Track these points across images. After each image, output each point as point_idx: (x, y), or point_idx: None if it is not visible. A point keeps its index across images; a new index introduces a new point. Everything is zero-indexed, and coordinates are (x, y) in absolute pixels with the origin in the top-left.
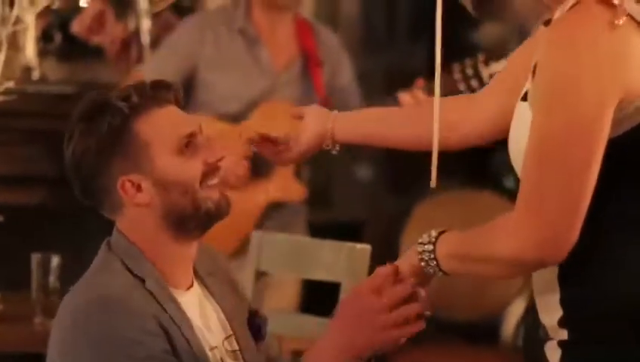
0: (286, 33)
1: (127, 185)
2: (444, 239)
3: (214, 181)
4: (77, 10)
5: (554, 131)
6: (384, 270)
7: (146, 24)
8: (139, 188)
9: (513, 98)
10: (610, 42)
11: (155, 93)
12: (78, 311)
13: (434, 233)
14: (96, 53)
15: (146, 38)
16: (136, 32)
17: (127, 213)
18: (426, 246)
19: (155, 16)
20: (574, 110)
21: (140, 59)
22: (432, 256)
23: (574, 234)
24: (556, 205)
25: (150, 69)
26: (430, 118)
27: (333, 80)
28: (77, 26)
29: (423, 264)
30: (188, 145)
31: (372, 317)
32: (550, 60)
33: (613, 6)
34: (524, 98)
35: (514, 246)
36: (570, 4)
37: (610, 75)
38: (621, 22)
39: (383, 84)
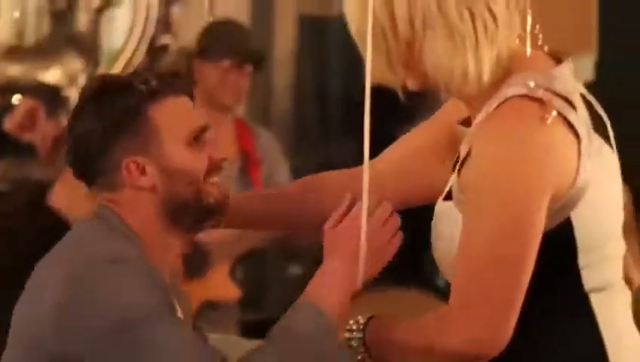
0: (226, 132)
1: (132, 166)
2: (374, 326)
3: (215, 179)
4: (9, 107)
5: (487, 230)
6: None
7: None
8: (143, 171)
9: (410, 179)
10: (541, 139)
11: (173, 81)
12: (79, 276)
13: (361, 320)
14: (28, 150)
15: None
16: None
17: (125, 194)
18: (354, 334)
19: None
20: (507, 208)
21: None
22: (362, 342)
23: (509, 330)
24: (491, 303)
25: None
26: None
27: (270, 178)
28: (8, 124)
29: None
30: (197, 138)
31: (369, 238)
32: (482, 158)
33: (542, 103)
34: (448, 197)
35: (450, 342)
36: (496, 103)
37: (542, 172)
38: (550, 119)
39: None
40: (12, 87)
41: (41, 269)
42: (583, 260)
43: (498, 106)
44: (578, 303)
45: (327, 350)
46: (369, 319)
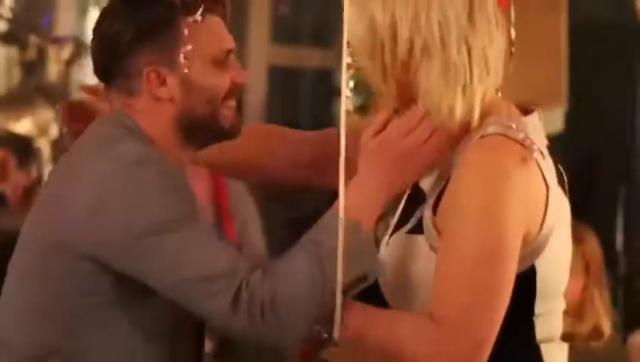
0: (202, 186)
1: (153, 75)
2: (349, 310)
3: (232, 103)
4: None
5: (467, 254)
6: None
7: (48, 173)
8: (163, 82)
9: None
10: (522, 177)
11: (211, 0)
12: (106, 179)
13: None
14: None
15: None
16: (39, 180)
17: (142, 101)
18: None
19: None
20: (489, 234)
21: None
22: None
23: (488, 351)
24: (484, 325)
25: None
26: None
27: (242, 232)
28: None
29: (317, 327)
30: (224, 59)
31: (402, 144)
32: (466, 186)
33: (523, 145)
34: (414, 231)
35: (429, 354)
36: (477, 136)
37: (519, 208)
38: (530, 161)
39: (287, 234)
40: None
41: (60, 173)
42: (538, 308)
43: (480, 139)
44: (530, 352)
45: (362, 261)
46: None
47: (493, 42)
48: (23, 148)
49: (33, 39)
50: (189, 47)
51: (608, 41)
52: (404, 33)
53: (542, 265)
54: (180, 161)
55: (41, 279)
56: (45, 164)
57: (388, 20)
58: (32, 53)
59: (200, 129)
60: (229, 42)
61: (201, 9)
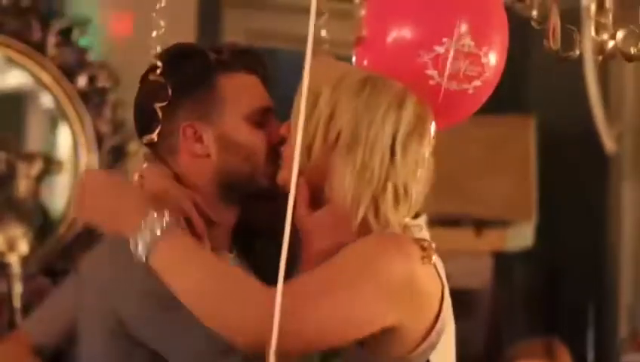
0: None
1: (189, 131)
2: (174, 237)
3: (280, 162)
4: None
5: (325, 281)
6: None
7: (17, 288)
8: (200, 138)
9: None
10: (414, 274)
11: (247, 58)
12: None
13: (167, 219)
14: None
15: (17, 302)
16: (8, 296)
17: (181, 160)
18: (148, 231)
19: (28, 281)
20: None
21: (11, 322)
22: (151, 245)
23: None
24: (313, 326)
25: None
26: None
27: None
28: None
29: (131, 242)
30: (261, 118)
31: None
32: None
33: (423, 246)
34: None
35: (241, 312)
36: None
37: (398, 293)
38: (430, 262)
39: None
40: None
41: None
42: None
43: (380, 232)
44: None
45: None
46: (172, 226)
47: (416, 178)
48: None
49: (2, 155)
50: (225, 103)
51: (577, 155)
52: (338, 121)
53: (435, 360)
54: (221, 219)
55: None
56: (14, 279)
57: (329, 108)
58: (1, 169)
59: (239, 186)
60: (266, 100)
61: (237, 67)
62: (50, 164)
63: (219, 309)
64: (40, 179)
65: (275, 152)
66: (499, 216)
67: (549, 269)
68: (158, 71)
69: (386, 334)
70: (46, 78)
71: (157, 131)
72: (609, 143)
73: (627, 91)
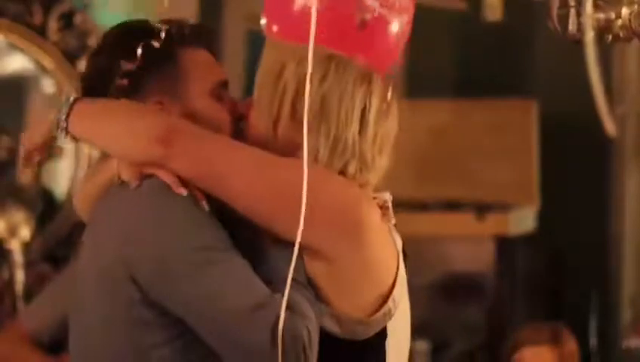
0: None
1: (158, 108)
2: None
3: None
4: None
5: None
6: None
7: (19, 275)
8: (168, 114)
9: None
10: (373, 222)
11: (201, 33)
12: (141, 203)
13: (72, 97)
14: None
15: (19, 289)
16: (10, 283)
17: None
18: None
19: (29, 268)
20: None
21: (13, 309)
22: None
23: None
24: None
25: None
26: None
27: None
28: None
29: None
30: (221, 92)
31: None
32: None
33: (383, 207)
34: None
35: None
36: None
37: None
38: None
39: None
40: None
41: (97, 216)
42: None
43: None
44: None
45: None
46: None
47: (382, 152)
48: None
49: (4, 141)
50: (188, 78)
51: (580, 139)
52: (305, 98)
53: (391, 329)
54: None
55: (126, 326)
56: (16, 267)
57: (295, 83)
58: (2, 154)
59: None
60: (224, 74)
61: (194, 43)
62: (51, 149)
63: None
64: (41, 164)
65: (237, 127)
66: (501, 200)
67: (552, 253)
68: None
69: (339, 283)
70: (48, 62)
71: None
72: (610, 126)
73: (630, 73)
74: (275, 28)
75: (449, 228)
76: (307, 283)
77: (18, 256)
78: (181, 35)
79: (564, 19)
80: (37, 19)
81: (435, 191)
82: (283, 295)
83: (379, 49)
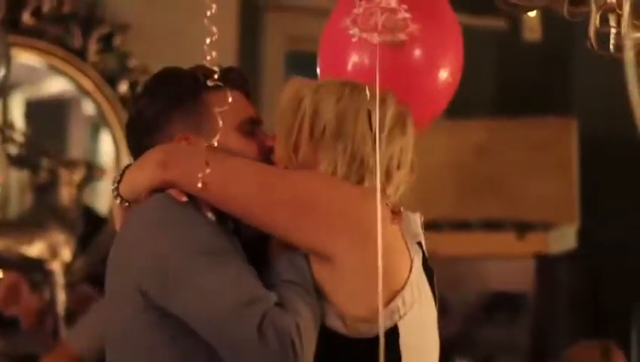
0: None
1: (184, 143)
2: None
3: None
4: None
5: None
6: None
7: (61, 296)
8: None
9: None
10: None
11: (231, 76)
12: (154, 217)
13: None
14: (10, 324)
15: (61, 310)
16: (52, 304)
17: None
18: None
19: (71, 288)
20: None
21: (55, 330)
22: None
23: None
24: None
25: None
26: None
27: None
28: None
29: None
30: (250, 128)
31: None
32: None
33: (395, 212)
34: None
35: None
36: None
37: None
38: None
39: None
40: None
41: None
42: None
43: None
44: None
45: None
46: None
47: (399, 168)
48: (35, 271)
49: (45, 162)
50: (214, 116)
51: (620, 157)
52: (322, 118)
53: (404, 330)
54: None
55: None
56: (58, 287)
57: (313, 106)
58: (43, 177)
59: None
60: (253, 111)
61: (223, 84)
62: (92, 171)
63: None
64: (82, 185)
65: (267, 161)
66: (542, 219)
67: (593, 271)
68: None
69: (345, 284)
70: (87, 84)
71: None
72: None
73: None
74: None
75: (490, 247)
76: (312, 286)
77: (59, 277)
78: (207, 79)
79: (602, 38)
80: (76, 41)
81: (475, 211)
82: (279, 294)
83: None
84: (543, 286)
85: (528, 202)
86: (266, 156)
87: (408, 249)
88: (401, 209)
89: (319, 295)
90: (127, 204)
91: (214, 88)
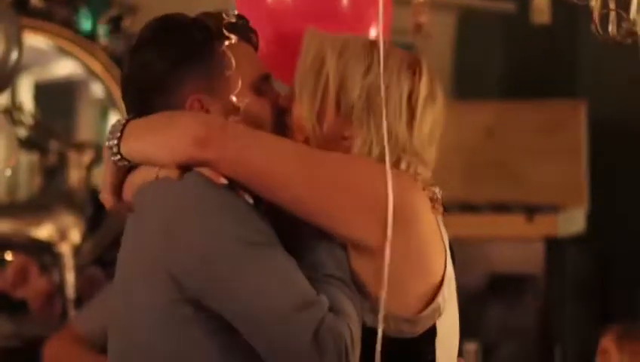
0: None
1: (196, 105)
2: (130, 124)
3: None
4: (1, 264)
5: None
6: None
7: (70, 278)
8: (207, 111)
9: None
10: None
11: (240, 27)
12: (183, 194)
13: (122, 121)
14: (20, 306)
15: (70, 292)
16: (61, 286)
17: None
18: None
19: (80, 271)
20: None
21: (64, 313)
22: (117, 142)
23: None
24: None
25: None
26: None
27: None
28: (1, 281)
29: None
30: (263, 86)
31: None
32: None
33: (433, 199)
34: None
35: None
36: None
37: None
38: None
39: None
40: (4, 243)
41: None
42: None
43: None
44: None
45: None
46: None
47: (431, 141)
48: (45, 253)
49: (54, 145)
50: (229, 72)
51: (629, 140)
52: (350, 92)
53: (440, 328)
54: None
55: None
56: (67, 270)
57: (338, 77)
58: (52, 159)
59: None
60: (265, 68)
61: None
62: (101, 153)
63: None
64: (91, 168)
65: (280, 120)
66: (550, 202)
67: (601, 255)
68: (229, 41)
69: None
70: (96, 66)
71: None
72: None
73: None
74: None
75: (498, 229)
76: (351, 279)
77: (68, 259)
78: (219, 29)
79: (606, 21)
80: (85, 23)
81: (484, 193)
82: (326, 293)
83: None
84: (551, 269)
85: (537, 185)
86: (278, 117)
87: (443, 236)
88: (438, 194)
89: (357, 288)
90: (126, 163)
91: (227, 40)
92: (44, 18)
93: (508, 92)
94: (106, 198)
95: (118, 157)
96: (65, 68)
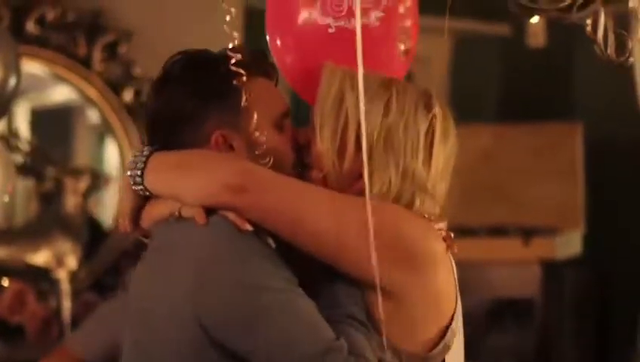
0: None
1: (220, 140)
2: (155, 156)
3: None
4: None
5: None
6: None
7: (66, 304)
8: (230, 147)
9: None
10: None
11: (262, 62)
12: (211, 247)
13: (145, 152)
14: (16, 331)
15: (67, 318)
16: (57, 312)
17: None
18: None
19: (76, 296)
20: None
21: (60, 338)
22: (140, 172)
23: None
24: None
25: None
26: None
27: None
28: None
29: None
30: (282, 122)
31: None
32: None
33: (446, 239)
34: None
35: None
36: None
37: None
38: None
39: None
40: (0, 269)
41: (154, 259)
42: None
43: None
44: None
45: None
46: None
47: (444, 177)
48: (41, 279)
49: (50, 171)
50: (252, 110)
51: (626, 162)
52: (369, 130)
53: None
54: None
55: None
56: (64, 296)
57: (357, 114)
58: (49, 185)
59: None
60: (286, 104)
61: (256, 72)
62: (97, 179)
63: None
64: (87, 194)
65: (298, 155)
66: (547, 224)
67: (599, 277)
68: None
69: (403, 319)
70: (92, 92)
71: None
72: None
73: None
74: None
75: (495, 253)
76: (366, 317)
77: (65, 285)
78: (243, 66)
79: (606, 43)
80: (81, 49)
81: (480, 216)
82: (344, 334)
83: None
84: (549, 292)
85: (533, 207)
86: (297, 153)
87: (454, 275)
88: (451, 235)
89: (373, 326)
90: (147, 193)
91: (249, 76)
92: (39, 45)
93: (504, 114)
94: (124, 224)
95: (141, 187)
96: (61, 94)
